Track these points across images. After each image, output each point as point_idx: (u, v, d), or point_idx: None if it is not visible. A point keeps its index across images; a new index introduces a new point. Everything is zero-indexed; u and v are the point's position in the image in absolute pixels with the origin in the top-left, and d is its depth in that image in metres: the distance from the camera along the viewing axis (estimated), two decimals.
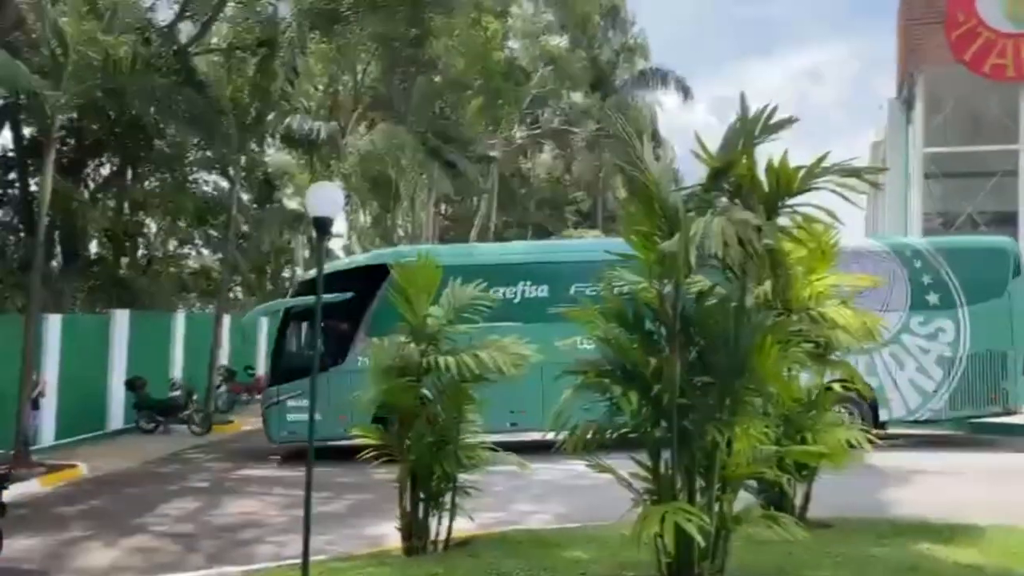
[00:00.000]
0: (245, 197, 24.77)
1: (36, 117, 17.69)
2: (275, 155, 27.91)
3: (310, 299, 14.18)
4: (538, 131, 33.52)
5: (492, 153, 29.39)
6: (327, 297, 13.80)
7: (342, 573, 6.71)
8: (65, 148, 19.36)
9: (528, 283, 14.37)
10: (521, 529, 8.43)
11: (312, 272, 16.16)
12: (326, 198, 7.43)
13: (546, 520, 9.21)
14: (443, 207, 33.71)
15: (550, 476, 10.56)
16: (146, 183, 23.15)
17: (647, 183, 5.59)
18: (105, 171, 22.63)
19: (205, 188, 24.86)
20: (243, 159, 20.97)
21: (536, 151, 36.59)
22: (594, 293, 13.96)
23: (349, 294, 13.62)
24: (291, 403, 13.55)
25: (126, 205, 22.58)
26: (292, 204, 29.82)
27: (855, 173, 5.38)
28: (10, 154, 20.06)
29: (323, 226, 7.41)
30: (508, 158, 32.30)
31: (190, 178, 24.00)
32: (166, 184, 23.10)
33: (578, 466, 6.61)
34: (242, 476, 12.79)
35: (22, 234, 19.97)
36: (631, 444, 5.80)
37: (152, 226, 25.45)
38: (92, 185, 22.23)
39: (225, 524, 9.92)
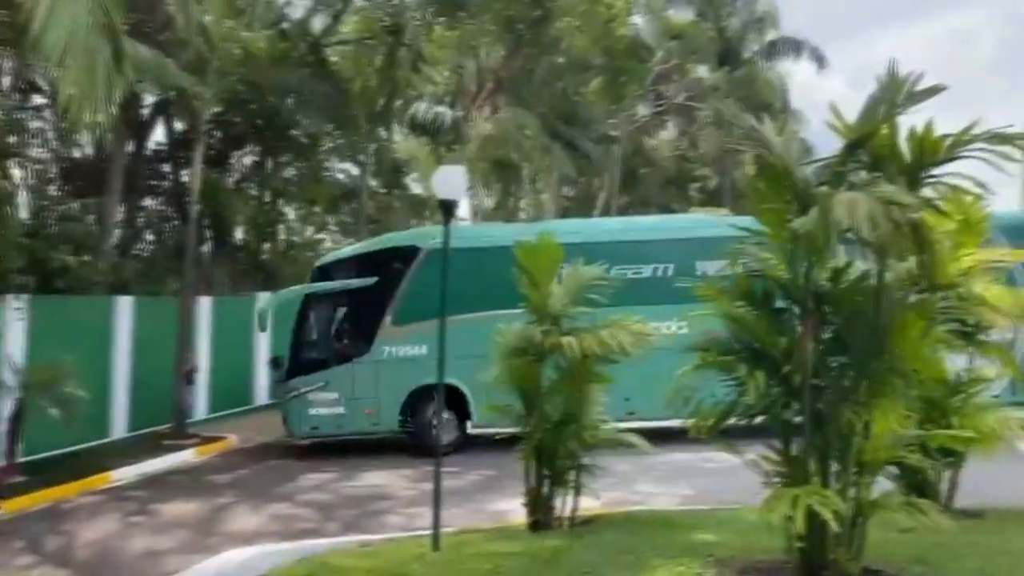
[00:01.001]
0: (374, 183, 25.60)
1: (186, 112, 18.94)
2: (403, 142, 28.68)
3: (329, 285, 13.37)
4: (662, 108, 32.85)
5: (614, 132, 29.07)
6: (348, 283, 13.15)
7: (470, 545, 6.90)
8: (212, 141, 20.63)
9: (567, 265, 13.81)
10: (646, 509, 8.40)
11: (330, 257, 15.03)
12: (451, 181, 7.61)
13: (672, 502, 9.13)
14: (565, 188, 33.67)
15: (675, 458, 10.42)
16: (284, 172, 24.33)
17: (773, 159, 5.39)
18: (247, 162, 23.95)
19: (338, 176, 25.89)
20: (372, 146, 21.70)
21: (660, 129, 35.87)
22: (636, 276, 12.76)
23: (373, 279, 12.97)
24: (313, 396, 12.79)
25: (267, 194, 23.82)
26: (418, 189, 30.58)
27: (1008, 140, 4.99)
28: (163, 148, 21.55)
29: (449, 208, 7.59)
30: (631, 137, 31.83)
31: (324, 166, 25.04)
32: (302, 173, 24.20)
33: (705, 450, 6.51)
34: (374, 450, 13.29)
35: (176, 222, 21.46)
36: (758, 428, 5.65)
37: (291, 213, 26.76)
38: (236, 175, 23.58)
39: (359, 495, 10.40)
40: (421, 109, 22.89)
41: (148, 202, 21.95)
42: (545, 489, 7.45)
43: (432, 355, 12.17)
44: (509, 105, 24.00)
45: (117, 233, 19.27)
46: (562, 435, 7.37)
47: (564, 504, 7.44)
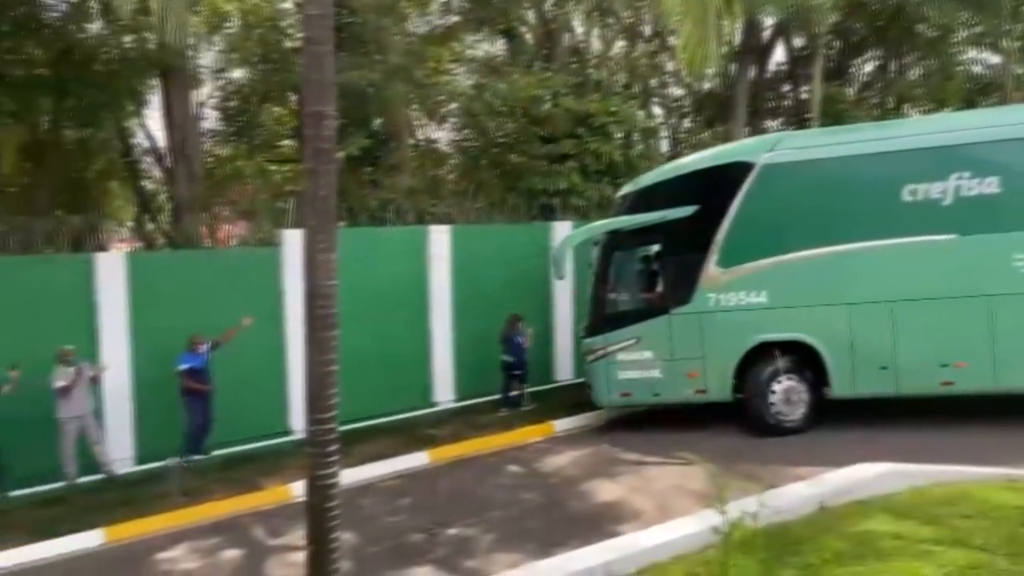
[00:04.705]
0: (1020, 71, 21.83)
1: (804, 28, 18.89)
2: None
3: (636, 218, 10.71)
4: None
5: None
6: (661, 214, 10.46)
7: None
8: (830, 52, 20.22)
9: (967, 175, 9.37)
10: None
11: (638, 181, 11.65)
12: None
13: None
14: None
15: None
16: (909, 74, 22.49)
17: None
18: (868, 69, 22.82)
19: (973, 69, 22.79)
20: (1019, 27, 18.49)
21: None
22: None
23: (690, 208, 10.28)
24: (622, 356, 10.56)
25: (890, 99, 22.40)
26: None
27: None
28: (782, 68, 21.94)
29: None
30: None
31: (956, 60, 22.33)
32: (931, 71, 22.01)
33: None
34: None
35: None
36: None
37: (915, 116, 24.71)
38: (857, 85, 22.69)
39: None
40: None
41: (769, 123, 22.71)
42: None
43: (775, 303, 10.00)
44: None
45: None
46: None
47: None
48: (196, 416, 10.22)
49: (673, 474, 8.71)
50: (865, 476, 6.64)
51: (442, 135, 19.87)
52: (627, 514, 7.75)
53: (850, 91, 21.86)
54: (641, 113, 18.51)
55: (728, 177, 10.20)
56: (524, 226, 13.90)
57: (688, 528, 5.76)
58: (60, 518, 8.67)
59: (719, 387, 10.22)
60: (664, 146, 20.13)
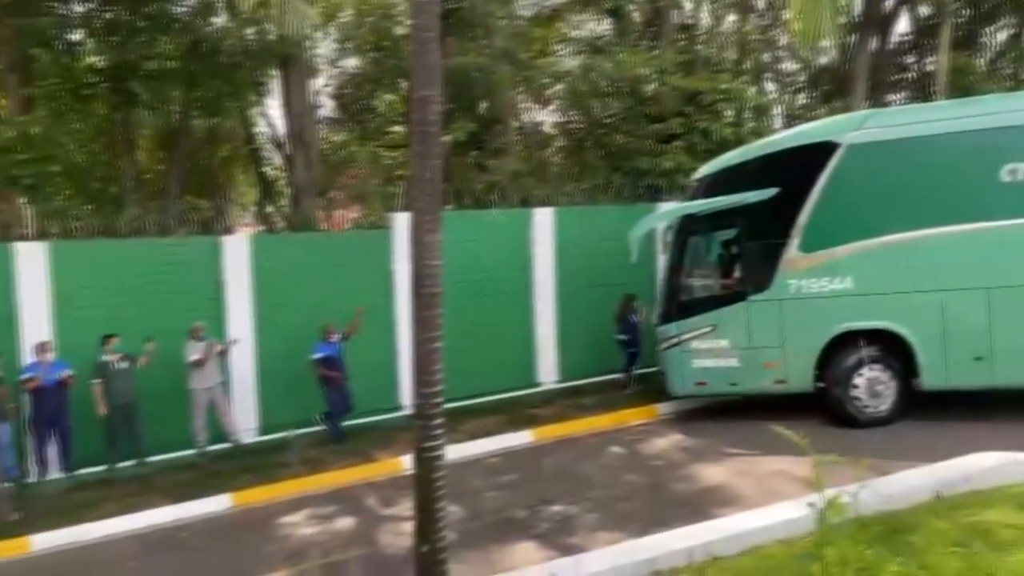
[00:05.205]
0: None
1: None
2: None
3: (713, 201, 10.18)
4: None
5: None
6: (737, 197, 9.86)
7: None
8: (959, 21, 19.01)
9: None
10: None
11: (714, 164, 11.10)
12: None
13: None
14: None
15: None
16: None
17: None
18: (1002, 38, 21.33)
19: None
20: None
21: None
22: None
23: (771, 190, 9.73)
24: (697, 344, 10.20)
25: None
26: None
27: None
28: (906, 39, 20.78)
29: None
30: None
31: None
32: None
33: None
34: None
35: None
36: None
37: None
38: (990, 55, 21.26)
39: None
40: None
41: (892, 97, 21.60)
42: None
43: (861, 290, 9.44)
44: None
45: None
46: None
47: None
48: (334, 402, 10.71)
49: (777, 460, 8.54)
50: (984, 465, 6.33)
51: (547, 117, 19.91)
52: (730, 498, 7.69)
53: (980, 62, 20.50)
54: (753, 89, 17.96)
55: (811, 157, 9.70)
56: (629, 207, 13.82)
57: (791, 513, 5.67)
58: (192, 483, 9.38)
59: (800, 377, 9.82)
60: (777, 123, 19.46)
